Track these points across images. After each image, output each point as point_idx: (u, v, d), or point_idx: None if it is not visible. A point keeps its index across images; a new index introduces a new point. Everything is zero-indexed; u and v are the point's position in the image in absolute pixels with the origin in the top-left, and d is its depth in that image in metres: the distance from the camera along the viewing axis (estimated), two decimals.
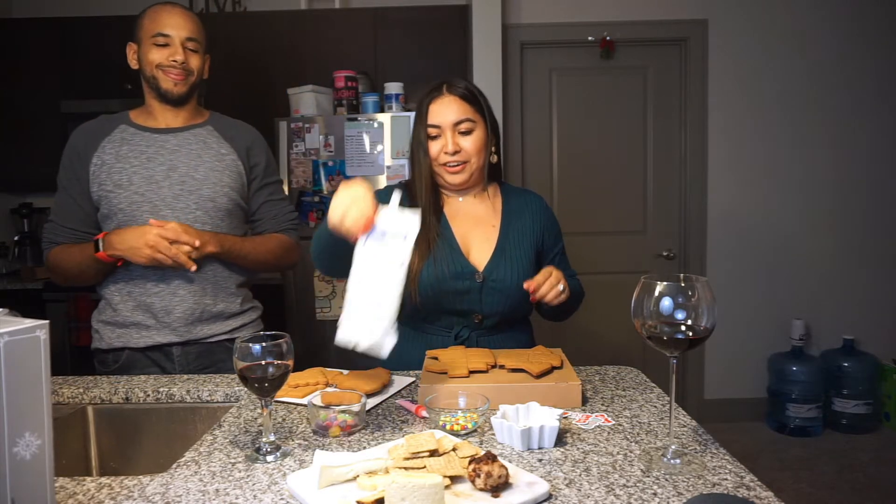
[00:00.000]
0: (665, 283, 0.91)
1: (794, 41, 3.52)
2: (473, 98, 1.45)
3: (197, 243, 1.46)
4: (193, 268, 1.48)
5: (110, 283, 1.58)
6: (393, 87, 3.06)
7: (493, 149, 1.49)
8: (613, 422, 1.11)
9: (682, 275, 0.91)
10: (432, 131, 1.43)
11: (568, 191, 3.62)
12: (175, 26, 1.55)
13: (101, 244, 1.49)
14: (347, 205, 1.09)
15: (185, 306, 1.56)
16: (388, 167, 2.99)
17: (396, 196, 1.13)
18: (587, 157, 3.61)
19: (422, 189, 1.46)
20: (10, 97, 3.37)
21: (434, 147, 1.43)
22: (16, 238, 3.65)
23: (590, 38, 3.51)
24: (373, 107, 3.05)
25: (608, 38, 3.48)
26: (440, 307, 1.46)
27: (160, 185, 1.55)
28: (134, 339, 1.57)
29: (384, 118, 2.99)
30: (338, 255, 1.20)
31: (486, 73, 3.26)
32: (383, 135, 2.98)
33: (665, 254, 3.64)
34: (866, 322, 3.61)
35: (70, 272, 1.56)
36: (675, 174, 3.64)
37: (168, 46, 1.55)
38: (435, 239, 1.45)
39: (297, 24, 3.31)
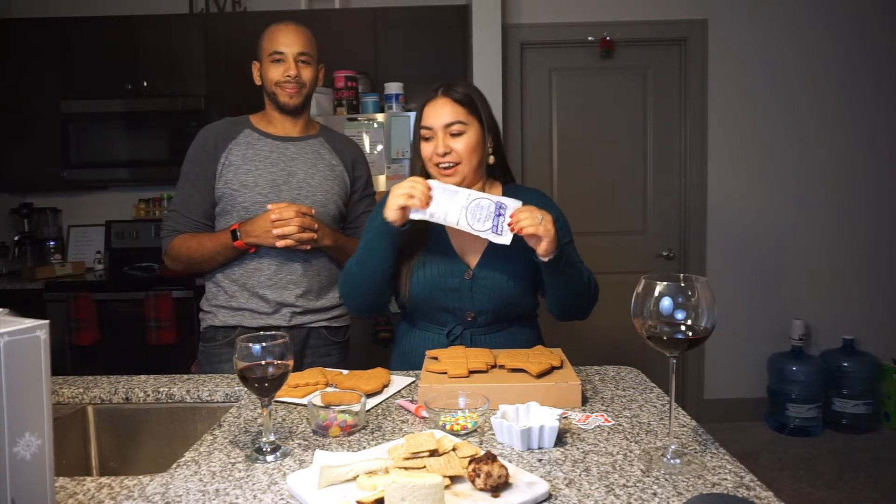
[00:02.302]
0: (665, 283, 0.91)
1: (794, 41, 3.53)
2: (468, 100, 1.46)
3: (313, 210, 1.64)
4: (315, 226, 1.63)
5: (227, 275, 1.72)
6: (393, 87, 3.06)
7: (489, 149, 1.49)
8: (613, 422, 1.11)
9: (682, 275, 0.91)
10: (425, 133, 1.46)
11: (568, 191, 3.62)
12: (288, 43, 1.69)
13: (238, 233, 1.64)
14: (406, 188, 1.34)
15: (293, 300, 1.72)
16: (388, 167, 2.99)
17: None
18: (587, 157, 3.61)
19: None
20: (10, 97, 3.37)
21: (427, 148, 1.46)
22: (16, 238, 3.65)
23: (590, 38, 3.51)
24: (373, 107, 3.05)
25: (608, 38, 3.48)
26: (432, 304, 1.48)
27: (280, 188, 1.70)
28: (247, 320, 1.72)
29: (384, 118, 2.99)
30: (388, 259, 1.42)
31: (486, 73, 3.26)
32: (383, 135, 2.98)
33: (665, 254, 3.64)
34: (866, 322, 3.61)
35: (195, 258, 1.70)
36: (675, 174, 3.64)
37: (283, 63, 1.69)
38: (424, 240, 1.49)
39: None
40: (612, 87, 3.58)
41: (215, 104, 3.28)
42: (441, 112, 1.44)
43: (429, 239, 1.49)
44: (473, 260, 1.48)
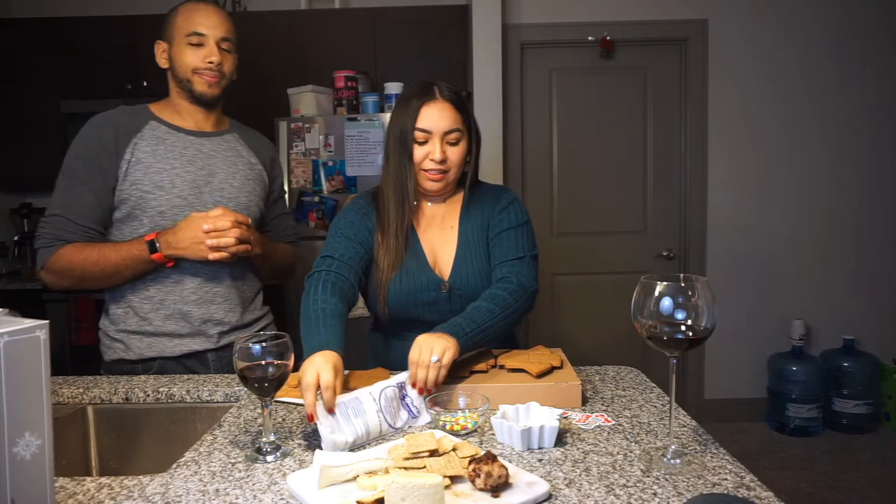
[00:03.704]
0: (665, 283, 0.91)
1: (794, 42, 3.53)
2: (463, 105, 1.41)
3: (249, 220, 1.48)
4: (251, 237, 1.47)
5: (138, 291, 1.50)
6: (393, 87, 3.06)
7: (468, 158, 1.45)
8: (613, 422, 1.11)
9: (682, 275, 0.91)
10: (420, 136, 1.37)
11: (568, 191, 3.62)
12: (210, 25, 1.50)
13: (157, 245, 1.42)
14: (312, 381, 1.05)
15: (221, 315, 1.55)
16: None
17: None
18: (587, 157, 3.61)
19: (397, 195, 1.40)
20: (10, 97, 3.37)
21: (419, 152, 1.38)
22: (16, 238, 3.65)
23: (590, 38, 3.51)
24: (373, 107, 3.05)
25: (608, 38, 3.48)
26: (409, 318, 1.42)
27: (201, 189, 1.51)
28: (168, 347, 1.51)
29: (384, 118, 2.99)
30: None
31: (486, 73, 3.26)
32: (383, 135, 2.98)
33: (665, 254, 3.64)
34: (866, 322, 3.61)
35: (93, 273, 1.44)
36: (675, 174, 3.64)
37: (203, 47, 1.49)
38: (404, 252, 1.41)
39: (297, 24, 3.32)
40: (612, 87, 3.58)
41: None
42: (442, 116, 1.36)
43: (404, 251, 1.41)
44: (445, 269, 1.43)
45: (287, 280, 2.97)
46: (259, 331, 1.64)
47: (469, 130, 1.43)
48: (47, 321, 0.74)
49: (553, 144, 3.62)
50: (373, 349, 1.57)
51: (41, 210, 3.66)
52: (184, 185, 1.49)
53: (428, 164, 1.38)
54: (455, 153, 1.39)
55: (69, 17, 3.37)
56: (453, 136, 1.38)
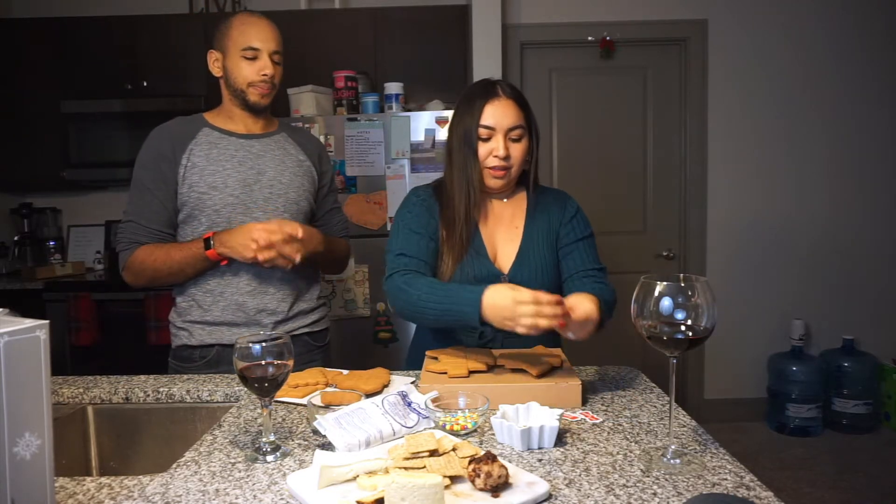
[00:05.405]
0: (665, 283, 0.91)
1: (794, 41, 3.53)
2: (525, 104, 1.44)
3: (300, 233, 1.50)
4: (298, 258, 1.51)
5: (200, 285, 1.61)
6: (393, 87, 3.06)
7: (528, 156, 1.47)
8: (599, 419, 1.11)
9: (682, 275, 0.91)
10: (484, 133, 1.40)
11: (568, 191, 3.54)
12: (264, 39, 1.59)
13: (212, 242, 1.52)
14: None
15: (274, 305, 1.64)
16: (388, 167, 2.99)
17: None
18: (587, 157, 3.61)
19: (463, 191, 1.43)
20: (10, 97, 3.37)
21: (483, 149, 1.41)
22: (16, 238, 3.64)
23: (590, 38, 3.51)
24: (373, 107, 3.05)
25: (608, 38, 3.48)
26: None
27: (252, 188, 1.62)
28: (226, 335, 1.62)
29: (384, 118, 2.99)
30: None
31: (486, 73, 3.25)
32: (383, 135, 2.98)
33: (665, 254, 3.64)
34: (866, 322, 3.61)
35: (162, 271, 1.57)
36: (675, 174, 3.64)
37: (257, 60, 1.59)
38: (468, 245, 1.44)
39: (297, 24, 3.31)
40: (612, 87, 3.58)
41: (215, 104, 3.27)
42: (506, 113, 1.40)
43: (468, 244, 1.44)
44: (505, 264, 1.46)
45: (337, 275, 2.91)
46: (313, 322, 1.74)
47: (530, 129, 1.45)
48: (47, 321, 0.74)
49: (553, 144, 3.62)
50: (419, 336, 1.60)
51: (41, 210, 3.67)
52: (235, 185, 1.60)
53: (492, 161, 1.41)
54: (517, 150, 1.43)
55: (69, 17, 3.37)
56: (516, 132, 1.41)
